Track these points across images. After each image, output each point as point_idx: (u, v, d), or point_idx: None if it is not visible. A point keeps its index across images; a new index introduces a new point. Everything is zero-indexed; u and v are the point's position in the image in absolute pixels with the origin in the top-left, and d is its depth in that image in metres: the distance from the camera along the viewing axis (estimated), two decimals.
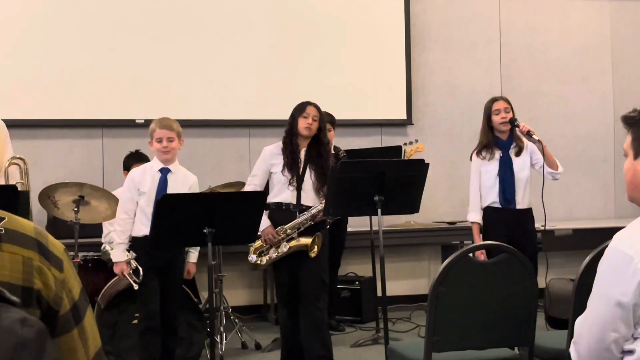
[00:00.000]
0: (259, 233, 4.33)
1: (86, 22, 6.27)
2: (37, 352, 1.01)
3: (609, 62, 7.63)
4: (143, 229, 4.09)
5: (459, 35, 7.26)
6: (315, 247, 4.36)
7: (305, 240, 4.35)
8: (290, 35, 6.72)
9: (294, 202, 4.40)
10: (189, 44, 6.47)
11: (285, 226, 4.38)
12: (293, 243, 4.37)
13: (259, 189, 4.40)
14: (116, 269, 4.16)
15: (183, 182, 4.20)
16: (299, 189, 4.39)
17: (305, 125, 4.37)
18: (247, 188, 4.49)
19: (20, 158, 4.06)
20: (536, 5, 7.48)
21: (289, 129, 4.43)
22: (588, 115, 7.56)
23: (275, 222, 4.40)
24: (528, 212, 4.80)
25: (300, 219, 4.37)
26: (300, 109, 4.42)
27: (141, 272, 4.08)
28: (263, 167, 4.45)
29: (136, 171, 4.27)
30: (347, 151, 5.78)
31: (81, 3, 6.28)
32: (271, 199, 4.42)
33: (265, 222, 4.35)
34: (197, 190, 4.30)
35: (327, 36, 6.79)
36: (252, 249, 4.49)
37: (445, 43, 7.23)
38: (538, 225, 4.86)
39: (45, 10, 6.20)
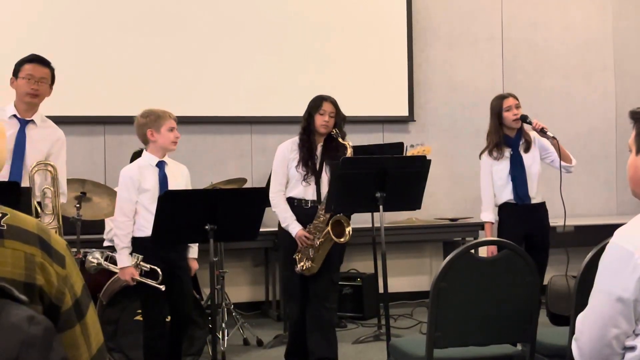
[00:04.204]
0: (294, 237, 4.29)
1: (88, 18, 6.26)
2: (44, 350, 1.01)
3: (611, 58, 7.62)
4: (149, 228, 3.88)
5: (461, 31, 7.26)
6: (342, 230, 4.29)
7: (326, 229, 4.28)
8: (292, 32, 6.72)
9: (309, 197, 4.35)
10: (190, 40, 6.46)
11: (312, 225, 4.32)
12: (321, 237, 4.31)
13: (284, 188, 4.36)
14: (125, 276, 3.95)
15: (180, 175, 4.11)
16: (317, 184, 4.35)
17: (322, 122, 4.32)
18: (272, 189, 4.38)
19: (50, 164, 4.03)
20: (538, 1, 7.46)
21: (306, 126, 4.37)
22: (590, 112, 7.55)
23: None
24: (542, 206, 4.82)
25: (320, 211, 4.32)
26: (316, 106, 4.35)
27: (159, 272, 3.91)
28: (283, 164, 4.38)
29: (131, 169, 4.07)
30: None
31: (83, 0, 6.27)
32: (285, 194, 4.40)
33: (296, 227, 4.31)
34: (190, 182, 4.19)
35: (329, 32, 6.79)
36: (297, 260, 4.36)
37: (447, 39, 7.22)
38: (550, 221, 4.88)
39: (48, 7, 6.20)
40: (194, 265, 4.20)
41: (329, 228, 4.27)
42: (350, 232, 4.35)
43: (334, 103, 4.37)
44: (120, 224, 4.00)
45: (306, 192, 4.36)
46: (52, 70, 4.14)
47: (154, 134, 4.03)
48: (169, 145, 4.04)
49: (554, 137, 4.68)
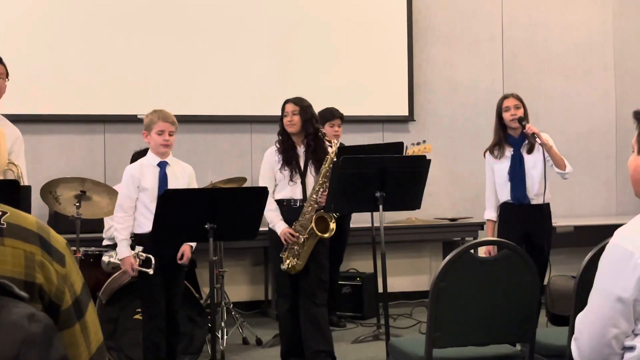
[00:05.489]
0: (279, 235, 4.35)
1: (89, 17, 6.26)
2: (44, 348, 1.01)
3: (611, 58, 7.62)
4: (148, 225, 3.98)
5: (461, 31, 7.25)
6: (326, 226, 4.34)
7: (310, 225, 4.34)
8: (292, 31, 6.71)
9: (297, 197, 4.43)
10: (191, 39, 6.46)
11: (298, 222, 4.38)
12: (305, 234, 4.36)
13: (270, 191, 4.38)
14: (125, 266, 4.06)
15: (181, 173, 4.18)
16: (303, 184, 4.42)
17: (287, 123, 4.47)
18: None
19: (13, 164, 4.01)
20: (538, 1, 7.46)
21: (280, 130, 4.53)
22: (590, 112, 7.55)
23: None
24: (545, 207, 4.80)
25: (305, 209, 4.37)
26: (281, 110, 4.53)
27: (153, 261, 3.99)
28: (268, 169, 4.49)
29: (133, 168, 4.20)
30: (348, 147, 5.77)
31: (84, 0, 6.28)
32: (274, 196, 4.45)
33: (281, 225, 4.38)
34: (195, 181, 4.27)
35: (329, 32, 6.78)
36: (284, 259, 4.43)
37: (447, 39, 7.22)
38: (554, 221, 4.87)
39: (49, 6, 6.19)
40: (187, 251, 4.12)
41: (312, 224, 4.33)
42: (334, 228, 4.40)
43: (294, 102, 4.49)
44: (119, 219, 4.12)
45: (293, 192, 4.43)
46: (4, 65, 4.12)
47: (147, 136, 4.16)
48: (158, 149, 4.14)
49: (541, 144, 4.68)
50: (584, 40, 7.55)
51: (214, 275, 4.01)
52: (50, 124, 6.21)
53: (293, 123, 4.44)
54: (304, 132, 4.46)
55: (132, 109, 6.28)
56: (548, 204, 4.81)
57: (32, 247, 1.27)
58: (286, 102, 4.53)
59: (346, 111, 5.82)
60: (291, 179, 4.41)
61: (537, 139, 4.68)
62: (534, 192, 4.77)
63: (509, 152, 4.79)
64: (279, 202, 4.45)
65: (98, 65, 6.24)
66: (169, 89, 6.35)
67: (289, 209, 4.43)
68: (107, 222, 5.16)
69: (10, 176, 3.96)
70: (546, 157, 4.79)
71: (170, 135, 4.12)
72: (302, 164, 4.45)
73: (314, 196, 4.37)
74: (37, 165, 5.83)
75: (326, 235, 4.38)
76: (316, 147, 4.44)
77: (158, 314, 4.08)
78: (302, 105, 4.48)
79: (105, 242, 5.18)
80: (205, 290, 5.54)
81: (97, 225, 5.26)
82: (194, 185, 4.24)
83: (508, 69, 7.35)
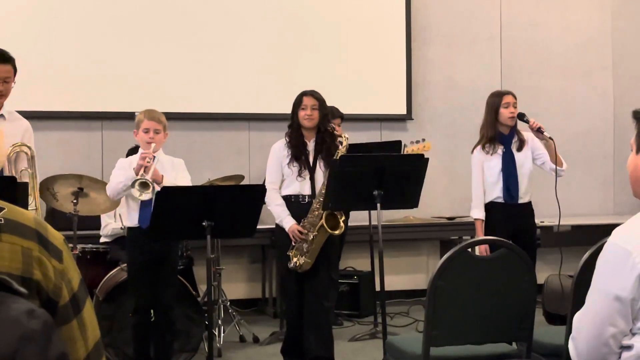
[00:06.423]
0: (287, 231, 4.29)
1: (87, 14, 6.25)
2: (43, 344, 1.01)
3: (610, 57, 7.62)
4: (135, 218, 4.09)
5: (460, 30, 7.25)
6: (336, 223, 4.30)
7: (320, 222, 4.27)
8: (290, 29, 6.71)
9: (305, 192, 4.35)
10: (189, 36, 6.46)
11: (306, 219, 4.31)
12: (314, 231, 4.30)
13: (276, 186, 4.36)
14: (141, 156, 4.06)
15: (169, 165, 4.20)
16: (312, 180, 4.36)
17: (305, 116, 4.35)
18: (266, 186, 4.29)
19: (25, 145, 4.04)
20: (537, 1, 7.47)
21: (291, 123, 4.42)
22: (588, 111, 7.56)
23: None
24: (528, 205, 4.81)
25: (314, 205, 4.32)
26: (298, 102, 4.40)
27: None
28: (275, 163, 4.41)
29: (124, 159, 4.30)
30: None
31: None
32: (281, 192, 4.40)
33: (290, 221, 4.31)
34: (184, 169, 4.25)
35: (327, 30, 6.78)
36: (291, 257, 4.34)
37: (446, 38, 7.22)
38: (546, 220, 4.86)
39: (47, 2, 6.18)
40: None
41: (322, 221, 4.27)
42: (344, 225, 4.36)
43: (314, 96, 4.39)
44: (114, 179, 4.15)
45: (302, 187, 4.36)
46: (13, 64, 4.10)
47: (137, 134, 4.21)
48: (143, 146, 4.18)
49: (550, 138, 4.67)
50: (582, 40, 7.56)
51: (211, 273, 4.00)
52: (48, 121, 6.20)
53: (312, 118, 4.35)
54: (319, 127, 4.38)
55: (130, 106, 6.25)
56: (530, 202, 4.82)
57: (30, 243, 1.27)
58: (304, 94, 4.39)
59: (344, 109, 5.83)
60: (300, 175, 4.33)
61: (545, 133, 4.66)
62: (522, 190, 4.77)
63: (500, 149, 4.77)
64: (287, 197, 4.37)
65: (96, 63, 6.23)
66: (167, 86, 6.34)
67: (297, 205, 4.35)
68: (105, 219, 5.16)
69: (23, 158, 3.99)
70: (535, 156, 4.79)
71: (156, 133, 4.13)
72: (311, 160, 4.38)
73: (324, 192, 4.30)
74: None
75: (336, 232, 4.31)
76: (330, 143, 4.38)
77: (141, 309, 4.12)
78: (321, 99, 4.40)
79: (102, 240, 5.17)
80: (203, 288, 5.53)
81: (94, 222, 5.25)
82: (183, 174, 4.22)
83: (506, 69, 7.35)
